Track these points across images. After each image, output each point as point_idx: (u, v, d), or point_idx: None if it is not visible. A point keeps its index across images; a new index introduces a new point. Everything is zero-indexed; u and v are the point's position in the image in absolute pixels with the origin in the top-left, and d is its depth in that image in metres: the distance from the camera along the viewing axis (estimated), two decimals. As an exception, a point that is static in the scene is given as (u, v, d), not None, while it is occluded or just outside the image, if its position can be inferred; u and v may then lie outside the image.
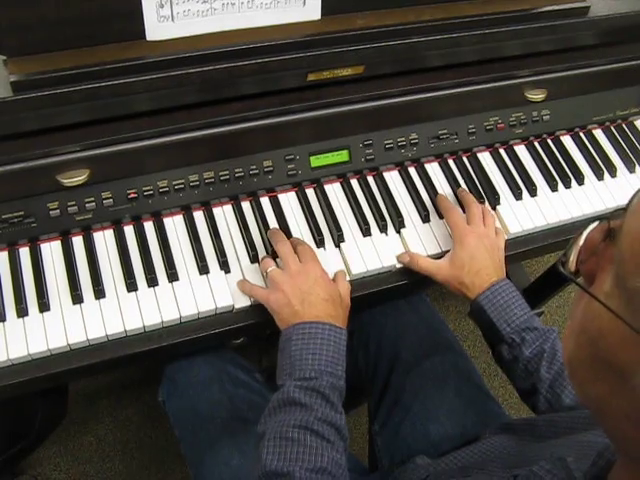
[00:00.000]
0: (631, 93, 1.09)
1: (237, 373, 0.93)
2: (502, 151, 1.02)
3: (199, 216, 0.87)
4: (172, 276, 0.81)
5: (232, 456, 0.84)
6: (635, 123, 1.12)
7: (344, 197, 0.93)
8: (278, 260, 0.82)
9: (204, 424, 0.87)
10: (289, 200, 0.91)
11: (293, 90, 0.86)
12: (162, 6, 0.74)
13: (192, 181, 0.85)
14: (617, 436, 0.38)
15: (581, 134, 1.08)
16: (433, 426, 0.87)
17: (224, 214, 0.88)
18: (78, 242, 0.83)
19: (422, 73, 0.93)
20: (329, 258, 0.86)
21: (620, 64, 1.04)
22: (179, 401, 0.92)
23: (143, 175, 0.83)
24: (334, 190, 0.93)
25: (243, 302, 0.81)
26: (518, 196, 0.98)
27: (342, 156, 0.92)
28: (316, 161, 0.91)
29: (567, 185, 1.01)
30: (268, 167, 0.88)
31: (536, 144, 1.04)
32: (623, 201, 0.99)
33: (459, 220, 0.87)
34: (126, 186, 0.83)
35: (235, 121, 0.84)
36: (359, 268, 0.86)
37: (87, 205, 0.81)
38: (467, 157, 1.01)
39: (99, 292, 0.79)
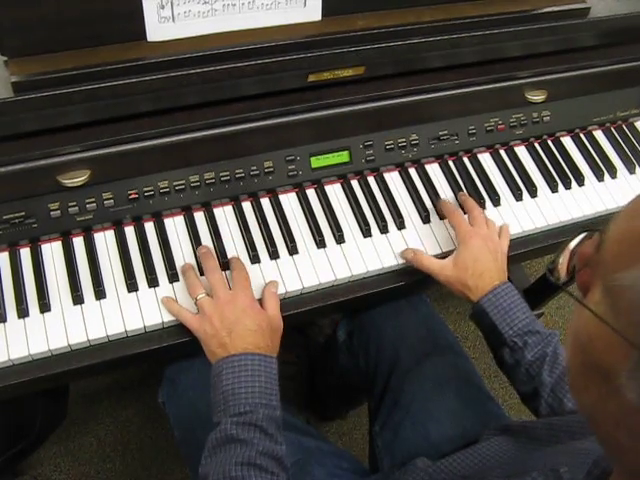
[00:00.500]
0: (631, 94, 1.09)
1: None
2: (502, 152, 1.02)
3: (200, 217, 0.87)
4: (173, 277, 0.81)
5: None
6: (635, 124, 1.12)
7: (345, 198, 0.93)
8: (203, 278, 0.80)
9: (204, 425, 0.87)
10: (290, 201, 0.91)
11: (294, 91, 0.86)
12: (163, 7, 0.74)
13: (193, 182, 0.85)
14: (611, 445, 0.39)
15: (581, 135, 1.08)
16: (433, 427, 0.87)
17: (225, 215, 0.88)
18: (79, 243, 0.83)
19: (422, 74, 0.93)
20: (330, 258, 0.86)
21: (620, 65, 1.04)
22: (179, 402, 0.92)
23: (144, 176, 0.83)
24: (335, 191, 0.93)
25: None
26: (518, 197, 0.98)
27: (343, 157, 0.92)
28: (317, 162, 0.91)
29: (567, 186, 1.01)
30: (269, 168, 0.88)
31: (536, 145, 1.05)
32: (623, 202, 0.99)
33: (463, 222, 0.87)
34: (127, 187, 0.83)
35: (236, 122, 0.84)
36: (359, 269, 0.86)
37: (88, 206, 0.81)
38: (467, 158, 1.01)
39: (100, 292, 0.79)
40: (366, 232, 0.90)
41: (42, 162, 0.76)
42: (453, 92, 0.95)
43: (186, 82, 0.78)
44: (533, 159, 1.03)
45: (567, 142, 1.07)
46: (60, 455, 1.38)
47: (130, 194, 0.83)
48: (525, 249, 0.95)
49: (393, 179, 0.96)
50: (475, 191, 0.97)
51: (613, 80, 1.05)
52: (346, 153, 0.93)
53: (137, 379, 1.47)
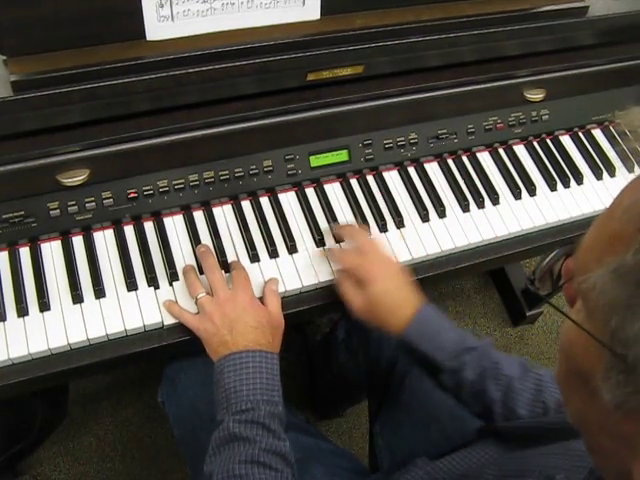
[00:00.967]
0: (630, 93, 1.09)
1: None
2: (501, 151, 1.02)
3: (199, 216, 0.87)
4: (172, 276, 0.81)
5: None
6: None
7: (344, 197, 0.93)
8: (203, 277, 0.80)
9: (203, 424, 0.87)
10: (289, 200, 0.91)
11: (293, 90, 0.86)
12: (162, 6, 0.74)
13: (192, 181, 0.85)
14: (598, 452, 0.40)
15: (580, 134, 1.08)
16: (433, 426, 0.87)
17: (224, 214, 0.88)
18: (78, 242, 0.83)
19: (421, 73, 0.93)
20: (329, 258, 0.86)
21: (619, 64, 1.04)
22: (179, 402, 0.92)
23: (143, 175, 0.83)
24: (334, 190, 0.93)
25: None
26: (517, 196, 0.98)
27: (342, 156, 0.93)
28: (316, 161, 0.91)
29: (566, 185, 1.01)
30: (268, 167, 0.88)
31: (535, 144, 1.05)
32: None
33: (355, 260, 0.81)
34: (126, 186, 0.83)
35: (235, 121, 0.84)
36: (359, 267, 0.86)
37: (87, 205, 0.81)
38: (466, 157, 1.01)
39: (99, 292, 0.79)
40: (365, 231, 0.90)
41: (41, 161, 0.76)
42: (452, 91, 0.95)
43: (185, 81, 0.78)
44: (532, 158, 1.03)
45: (566, 141, 1.07)
46: (60, 455, 1.38)
47: (129, 193, 0.83)
48: (524, 248, 0.95)
49: (392, 178, 0.96)
50: (474, 190, 0.97)
51: (612, 79, 1.05)
52: (345, 152, 0.93)
53: (137, 379, 1.47)
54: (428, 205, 0.94)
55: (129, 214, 0.84)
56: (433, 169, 0.98)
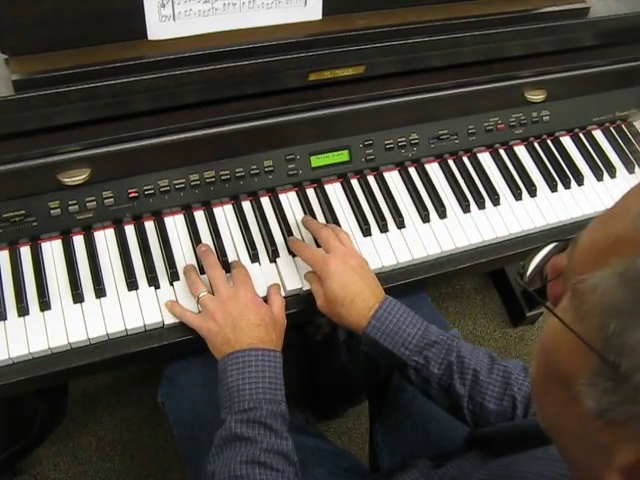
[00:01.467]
0: (630, 94, 1.09)
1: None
2: (502, 151, 1.02)
3: (200, 215, 0.87)
4: (173, 275, 0.81)
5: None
6: (634, 124, 1.12)
7: (344, 197, 0.93)
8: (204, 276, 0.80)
9: (203, 425, 0.87)
10: (289, 200, 0.91)
11: (294, 90, 0.86)
12: (164, 6, 0.74)
13: (193, 180, 0.85)
14: (568, 462, 0.39)
15: (581, 135, 1.08)
16: (433, 426, 0.87)
17: (225, 214, 0.88)
18: (79, 241, 0.83)
19: (422, 73, 0.93)
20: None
21: (620, 65, 1.04)
22: (178, 402, 0.92)
23: (144, 174, 0.83)
24: (334, 190, 0.93)
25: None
26: (518, 196, 0.98)
27: (342, 156, 0.93)
28: (317, 161, 0.91)
29: (567, 186, 1.01)
30: (269, 167, 0.88)
31: (536, 145, 1.05)
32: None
33: (314, 253, 0.80)
34: (127, 185, 0.83)
35: (236, 121, 0.84)
36: (359, 268, 0.86)
37: (88, 204, 0.81)
38: (467, 157, 1.01)
39: (100, 291, 0.79)
40: (366, 231, 0.90)
41: (42, 160, 0.76)
42: (453, 91, 0.95)
43: (186, 81, 0.78)
44: (532, 159, 1.03)
45: (566, 142, 1.07)
46: (59, 454, 1.38)
47: (130, 193, 0.83)
48: (524, 248, 0.95)
49: (393, 178, 0.96)
50: (475, 190, 0.97)
51: (612, 80, 1.05)
52: (346, 152, 0.93)
53: (137, 379, 1.47)
54: (429, 205, 0.94)
55: (130, 214, 0.84)
56: (434, 169, 0.98)
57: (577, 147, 1.07)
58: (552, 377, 0.37)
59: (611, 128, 1.10)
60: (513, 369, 0.73)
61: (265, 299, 0.81)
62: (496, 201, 0.97)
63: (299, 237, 0.88)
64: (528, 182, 1.00)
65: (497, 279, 1.76)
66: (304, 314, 0.86)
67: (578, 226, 0.99)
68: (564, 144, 1.06)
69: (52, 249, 0.82)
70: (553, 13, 0.96)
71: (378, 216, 0.91)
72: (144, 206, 0.84)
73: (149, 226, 0.85)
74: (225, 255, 0.84)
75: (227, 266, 0.83)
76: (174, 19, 0.76)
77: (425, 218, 0.93)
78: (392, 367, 0.78)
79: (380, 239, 0.90)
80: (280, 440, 0.68)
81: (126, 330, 0.78)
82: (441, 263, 0.91)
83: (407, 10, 0.88)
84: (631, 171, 1.07)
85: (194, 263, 0.83)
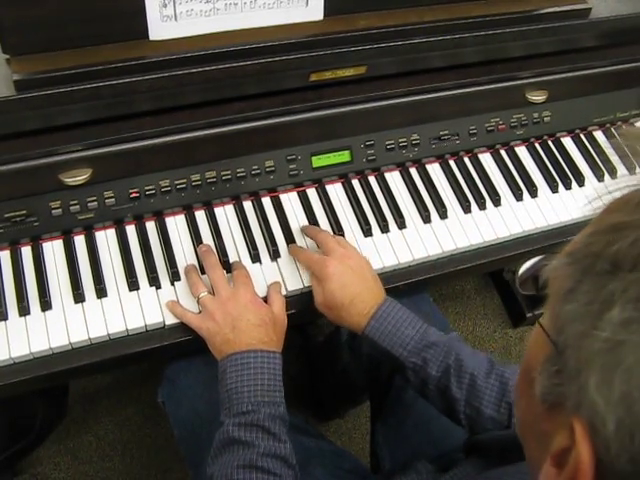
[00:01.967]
0: (631, 95, 1.09)
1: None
2: (503, 152, 1.02)
3: (201, 216, 0.87)
4: (174, 275, 0.81)
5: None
6: (636, 125, 1.12)
7: (345, 197, 0.93)
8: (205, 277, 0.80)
9: (204, 425, 0.87)
10: (290, 200, 0.91)
11: (295, 90, 0.86)
12: (165, 6, 0.74)
13: (194, 181, 0.85)
14: (530, 464, 0.39)
15: (581, 135, 1.08)
16: (435, 426, 0.87)
17: (226, 214, 0.88)
18: (80, 241, 0.83)
19: (424, 74, 0.93)
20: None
21: (621, 66, 1.04)
22: (179, 402, 0.92)
23: (145, 174, 0.83)
24: (335, 190, 0.93)
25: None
26: (519, 197, 0.98)
27: (344, 156, 0.93)
28: (318, 161, 0.91)
29: (567, 186, 1.02)
30: (270, 167, 0.88)
31: (537, 145, 1.05)
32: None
33: (312, 255, 0.81)
34: (128, 185, 0.83)
35: (237, 121, 0.84)
36: (360, 268, 0.86)
37: (89, 204, 0.81)
38: (468, 158, 1.01)
39: (101, 291, 0.79)
40: (367, 232, 0.90)
41: (44, 161, 0.76)
42: (454, 92, 0.95)
43: (188, 81, 0.78)
44: (533, 159, 1.03)
45: (567, 142, 1.07)
46: (59, 454, 1.38)
47: (131, 193, 0.83)
48: (525, 249, 0.96)
49: (394, 179, 0.96)
50: (476, 191, 0.97)
51: (613, 81, 1.05)
52: (347, 153, 0.93)
53: (137, 378, 1.47)
54: (430, 206, 0.94)
55: (131, 214, 0.84)
56: (435, 170, 0.98)
57: (578, 148, 1.07)
58: (523, 374, 0.38)
59: (612, 129, 1.10)
60: (511, 376, 0.72)
61: (266, 299, 0.81)
62: (497, 201, 0.97)
63: (300, 239, 0.87)
64: (529, 183, 1.00)
65: (497, 280, 1.76)
66: (305, 314, 0.86)
67: (579, 227, 0.98)
68: (565, 145, 1.06)
69: (53, 249, 0.82)
70: (554, 14, 0.96)
71: (379, 216, 0.91)
72: (145, 206, 0.84)
73: (150, 226, 0.85)
74: (226, 255, 0.84)
75: (228, 266, 0.83)
76: (176, 19, 0.76)
77: (426, 218, 0.93)
78: (391, 367, 0.78)
79: (381, 239, 0.90)
80: (278, 443, 0.68)
81: (127, 330, 0.78)
82: (442, 263, 0.91)
83: (408, 11, 0.89)
84: (632, 172, 1.06)
85: (195, 263, 0.83)
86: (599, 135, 1.09)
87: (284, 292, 0.83)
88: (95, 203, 0.81)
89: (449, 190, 0.97)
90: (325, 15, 0.84)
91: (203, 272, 0.82)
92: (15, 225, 0.79)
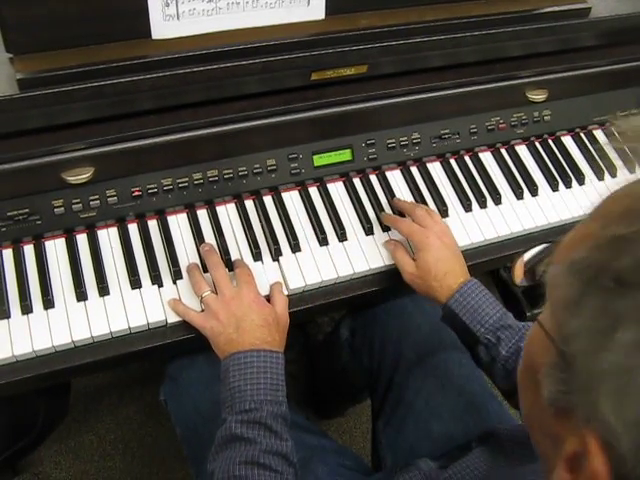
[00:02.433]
0: (631, 94, 1.09)
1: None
2: (503, 151, 1.03)
3: (203, 214, 0.88)
4: (176, 274, 0.82)
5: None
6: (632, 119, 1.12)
7: (347, 196, 0.93)
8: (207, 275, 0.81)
9: (206, 423, 0.87)
10: (292, 199, 0.91)
11: (296, 89, 0.87)
12: (168, 5, 0.74)
13: (196, 179, 0.86)
14: (541, 455, 0.40)
15: (582, 134, 1.08)
16: (436, 424, 0.87)
17: (227, 212, 0.89)
18: (82, 240, 0.83)
19: (425, 73, 0.93)
20: (332, 256, 0.87)
21: (621, 65, 1.04)
22: (181, 400, 0.92)
23: (147, 173, 0.83)
24: (337, 189, 0.94)
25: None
26: (519, 195, 0.98)
27: (345, 155, 0.93)
28: (319, 160, 0.91)
29: (568, 185, 1.02)
30: (271, 166, 0.89)
31: (537, 144, 1.05)
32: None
33: (413, 226, 0.85)
34: (130, 184, 0.83)
35: (239, 120, 0.84)
36: (362, 266, 0.87)
37: (91, 203, 0.81)
38: (469, 157, 1.01)
39: (103, 289, 0.79)
40: (368, 230, 0.90)
41: (46, 159, 0.77)
42: (455, 91, 0.95)
43: (190, 80, 0.78)
44: (534, 158, 1.04)
45: (567, 141, 1.07)
46: (61, 453, 1.38)
47: (133, 191, 0.83)
48: (526, 248, 0.96)
49: (395, 178, 0.96)
50: (477, 189, 0.97)
51: (613, 80, 1.06)
52: (348, 151, 0.93)
53: (138, 377, 1.48)
54: (431, 205, 0.94)
55: (133, 212, 0.84)
56: (436, 169, 0.99)
57: (578, 147, 1.07)
58: (527, 370, 0.39)
59: (612, 128, 1.11)
60: None
61: (268, 298, 0.81)
62: (498, 200, 0.97)
63: (302, 237, 0.88)
64: (529, 181, 1.00)
65: (497, 278, 1.76)
66: (307, 313, 0.86)
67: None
68: (565, 144, 1.06)
69: (56, 247, 0.82)
70: (554, 13, 0.97)
71: (380, 215, 0.91)
72: (147, 205, 0.84)
73: (152, 225, 0.86)
74: (228, 254, 0.84)
75: (230, 264, 0.83)
76: (178, 18, 0.76)
77: (427, 217, 0.93)
78: (463, 341, 0.82)
79: (383, 238, 0.90)
80: (280, 441, 0.68)
81: (129, 328, 0.78)
82: (443, 262, 0.92)
83: (409, 10, 0.89)
84: (632, 170, 1.07)
85: (197, 262, 0.83)
86: (599, 134, 1.10)
87: (285, 292, 0.83)
88: (97, 202, 0.82)
89: (450, 189, 0.97)
90: (326, 14, 0.84)
91: (206, 270, 0.82)
92: (18, 223, 0.79)
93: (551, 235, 0.97)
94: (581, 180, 1.03)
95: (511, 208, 0.97)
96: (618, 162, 1.07)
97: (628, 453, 0.31)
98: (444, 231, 0.84)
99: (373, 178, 0.96)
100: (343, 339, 1.08)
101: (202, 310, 0.79)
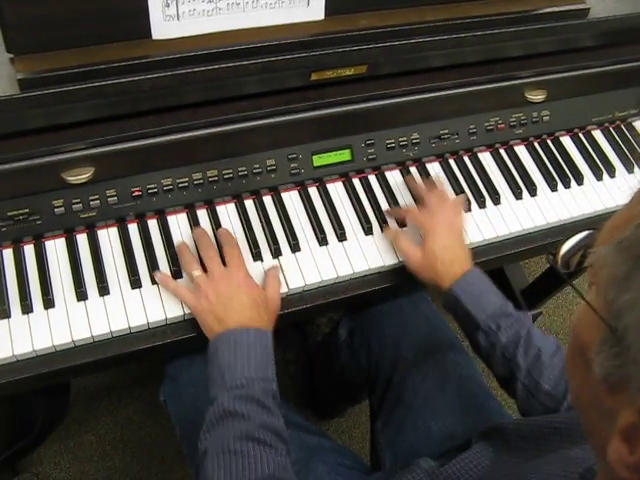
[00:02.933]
0: (630, 94, 1.10)
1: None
2: (502, 151, 1.03)
3: (203, 214, 0.88)
4: (176, 273, 0.82)
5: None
6: (634, 124, 1.13)
7: (346, 196, 0.93)
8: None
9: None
10: (292, 199, 0.92)
11: (296, 89, 0.87)
12: (168, 5, 0.74)
13: (196, 179, 0.86)
14: (590, 432, 0.40)
15: (580, 135, 1.09)
16: (435, 424, 0.87)
17: (227, 212, 0.89)
18: (82, 239, 0.83)
19: (424, 73, 0.93)
20: (332, 256, 0.87)
21: (619, 65, 1.05)
22: (181, 399, 0.92)
23: (147, 173, 0.83)
24: (336, 189, 0.94)
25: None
26: (518, 196, 0.99)
27: (344, 155, 0.93)
28: (319, 160, 0.92)
29: (566, 185, 1.02)
30: (271, 166, 0.89)
31: (536, 144, 1.05)
32: (622, 201, 1.00)
33: (418, 214, 0.88)
34: (130, 184, 0.83)
35: (239, 120, 0.85)
36: (361, 266, 0.87)
37: (91, 203, 0.81)
38: (468, 157, 1.01)
39: (103, 289, 0.79)
40: (368, 230, 0.90)
41: (46, 159, 0.77)
42: (454, 91, 0.95)
43: (190, 80, 0.78)
44: (533, 158, 1.04)
45: (566, 142, 1.07)
46: (60, 453, 1.38)
47: (133, 191, 0.83)
48: (524, 247, 0.96)
49: (394, 178, 0.97)
50: (475, 190, 0.97)
51: (612, 80, 1.06)
52: (348, 152, 0.93)
53: (138, 377, 1.48)
54: (430, 205, 0.94)
55: (133, 212, 0.84)
56: (435, 169, 0.99)
57: (577, 147, 1.07)
58: (576, 350, 0.40)
59: (610, 128, 1.11)
60: None
61: None
62: (497, 200, 0.97)
63: (302, 237, 0.88)
64: (528, 181, 1.00)
65: (497, 278, 1.76)
66: (306, 313, 0.86)
67: (578, 225, 0.99)
68: (564, 144, 1.07)
69: (56, 247, 0.82)
70: (553, 14, 0.97)
71: (379, 215, 0.92)
72: (147, 205, 0.84)
73: (152, 225, 0.86)
74: (228, 253, 0.84)
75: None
76: (178, 19, 0.76)
77: (426, 217, 0.93)
78: (462, 328, 0.83)
79: (382, 237, 0.90)
80: (272, 417, 0.68)
81: (129, 328, 0.78)
82: (442, 262, 0.92)
83: (409, 10, 0.89)
84: (630, 171, 1.07)
85: (196, 258, 0.83)
86: (598, 134, 1.10)
87: (285, 290, 0.84)
88: (97, 202, 0.82)
89: (448, 189, 0.98)
90: (326, 15, 0.84)
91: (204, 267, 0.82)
92: (18, 223, 0.79)
93: (550, 235, 0.98)
94: (580, 180, 1.03)
95: (510, 208, 0.97)
96: (617, 162, 1.07)
97: None
98: (453, 219, 0.86)
99: (372, 178, 0.96)
100: (341, 340, 1.09)
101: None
